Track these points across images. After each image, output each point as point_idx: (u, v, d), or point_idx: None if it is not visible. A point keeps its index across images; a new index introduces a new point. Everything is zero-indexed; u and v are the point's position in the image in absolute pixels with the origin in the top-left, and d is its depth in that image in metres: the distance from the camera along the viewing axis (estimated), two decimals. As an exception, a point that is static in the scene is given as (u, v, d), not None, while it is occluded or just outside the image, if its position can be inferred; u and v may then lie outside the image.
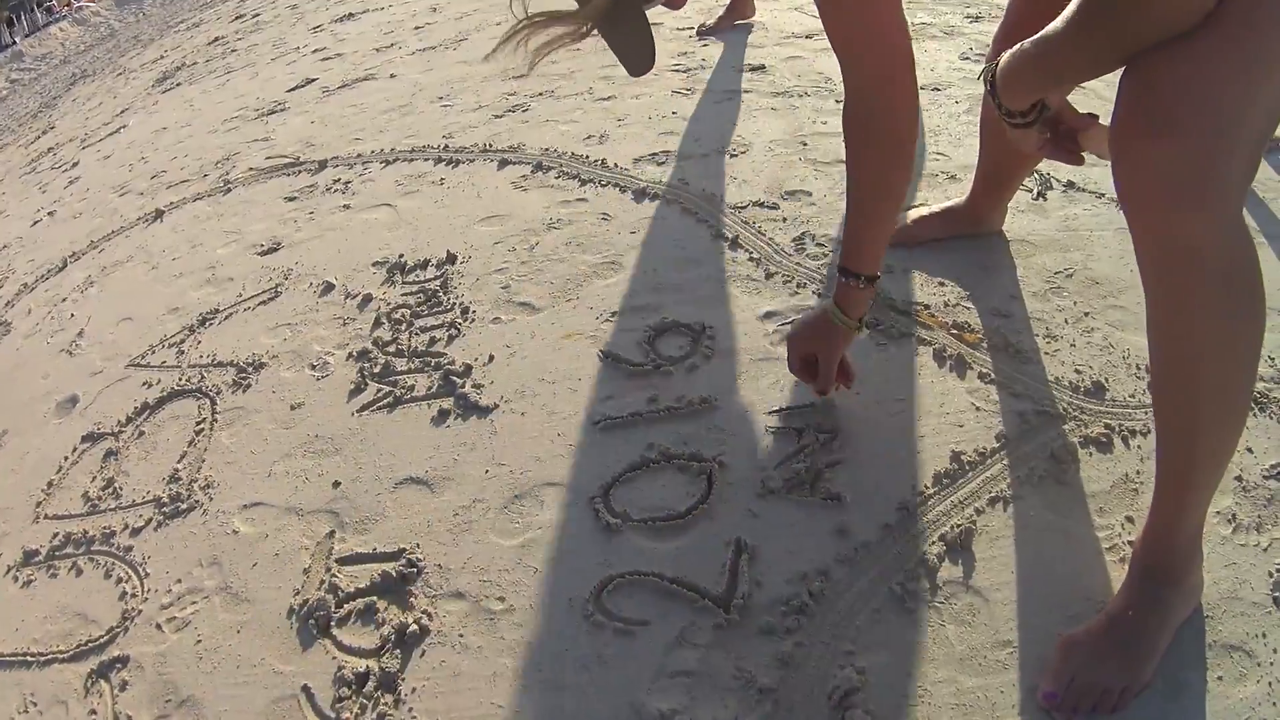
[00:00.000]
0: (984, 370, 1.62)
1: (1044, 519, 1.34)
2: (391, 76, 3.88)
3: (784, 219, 2.18)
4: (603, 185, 2.50)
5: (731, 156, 2.51)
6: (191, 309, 2.51)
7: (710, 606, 1.30)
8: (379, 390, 1.92)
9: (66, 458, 2.13)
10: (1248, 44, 0.83)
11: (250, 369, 2.14)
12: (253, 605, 1.56)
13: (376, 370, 1.98)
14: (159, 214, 3.24)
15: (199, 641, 1.53)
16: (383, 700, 1.31)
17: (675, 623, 1.29)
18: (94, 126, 4.96)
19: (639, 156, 2.62)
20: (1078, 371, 1.59)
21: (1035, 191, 2.12)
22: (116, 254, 3.05)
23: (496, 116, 3.14)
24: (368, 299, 2.25)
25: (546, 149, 2.78)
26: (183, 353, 2.32)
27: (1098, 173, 2.15)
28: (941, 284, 1.87)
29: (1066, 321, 1.72)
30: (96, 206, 3.56)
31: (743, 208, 2.26)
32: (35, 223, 3.67)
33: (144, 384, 2.26)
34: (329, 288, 2.36)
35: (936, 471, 1.44)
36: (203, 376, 2.19)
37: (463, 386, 1.83)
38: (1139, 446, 1.43)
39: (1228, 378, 0.97)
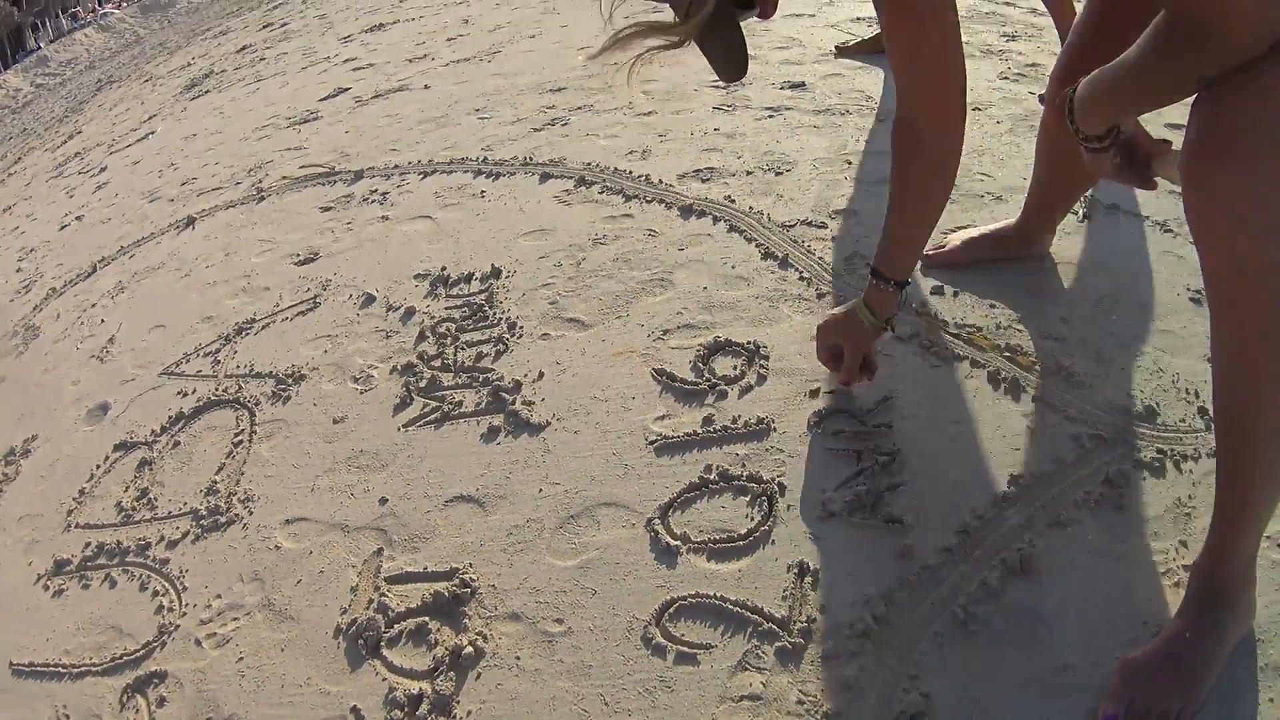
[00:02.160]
0: (1038, 394, 1.62)
1: (1100, 543, 1.34)
2: (425, 88, 3.93)
3: (833, 238, 2.19)
4: (648, 201, 2.52)
5: (776, 174, 2.52)
6: (227, 318, 2.53)
7: (774, 630, 1.29)
8: (425, 405, 1.92)
9: (99, 466, 2.14)
10: None
11: (290, 380, 2.16)
12: (297, 623, 1.56)
13: (422, 385, 1.99)
14: (190, 221, 3.27)
15: (241, 659, 1.53)
16: None
17: (738, 646, 1.29)
18: (121, 132, 5.03)
19: (683, 173, 2.64)
20: (1129, 395, 1.59)
21: (1081, 214, 2.12)
22: (148, 260, 3.08)
23: (535, 130, 3.17)
24: (410, 312, 2.26)
25: (589, 164, 2.80)
26: (219, 362, 2.34)
27: (1140, 197, 2.16)
28: (993, 306, 1.87)
29: (1116, 345, 1.71)
30: (126, 212, 3.61)
31: (791, 226, 2.26)
32: (63, 227, 3.72)
33: (179, 393, 2.28)
34: (370, 299, 2.37)
35: (995, 495, 1.44)
36: (240, 387, 2.21)
37: (513, 403, 1.84)
38: (1190, 471, 1.44)
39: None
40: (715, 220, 2.35)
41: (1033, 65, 3.05)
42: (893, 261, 1.48)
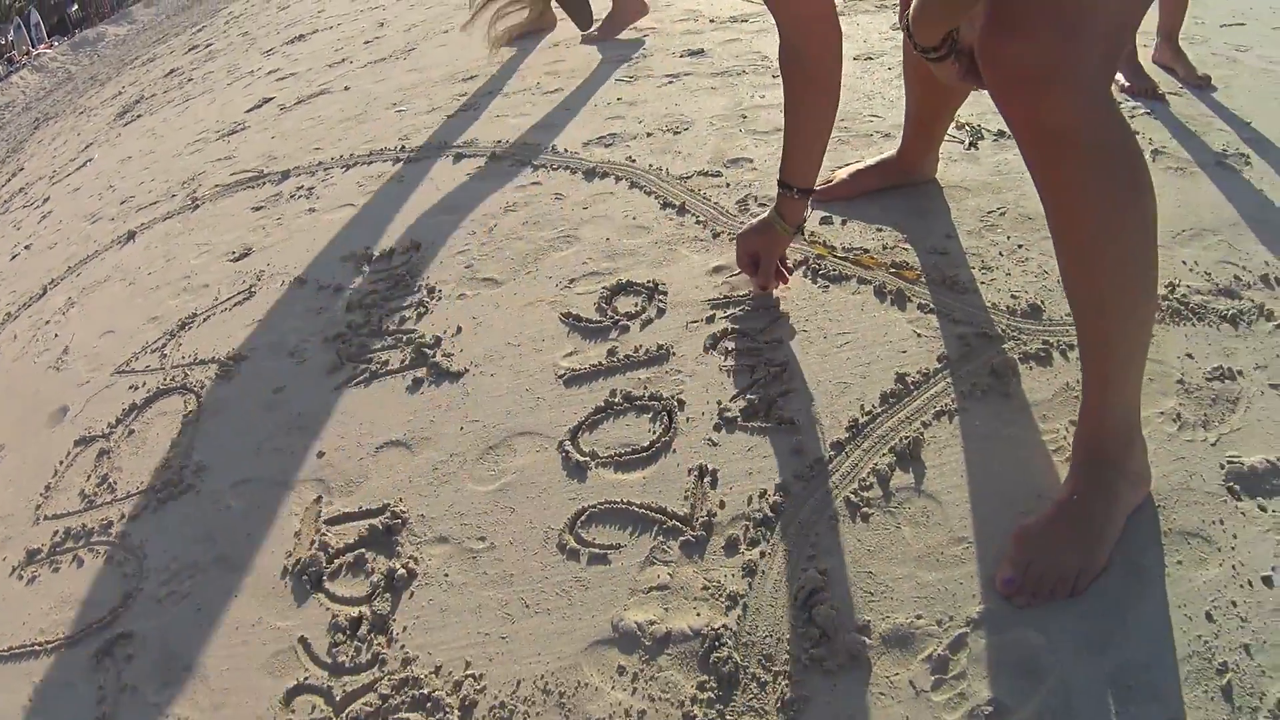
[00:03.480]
0: (924, 302, 1.70)
1: (990, 427, 1.41)
2: (346, 89, 3.91)
3: (728, 184, 2.26)
4: (554, 169, 2.56)
5: (675, 134, 2.58)
6: (171, 316, 2.53)
7: (678, 526, 1.36)
8: (355, 368, 1.96)
9: (61, 462, 2.15)
10: None
11: (232, 363, 2.18)
12: (247, 572, 1.60)
13: (352, 350, 2.02)
14: (131, 235, 3.25)
15: (199, 610, 1.57)
16: (376, 641, 1.36)
17: (646, 544, 1.36)
18: (61, 163, 4.93)
19: (587, 140, 2.68)
20: (1014, 297, 1.67)
21: (967, 142, 2.21)
22: (94, 275, 3.06)
23: (449, 116, 3.19)
24: (339, 289, 2.29)
25: (499, 141, 2.84)
26: (165, 355, 2.35)
27: None
28: (879, 229, 1.95)
29: (1001, 254, 1.80)
30: (70, 235, 3.56)
31: (688, 178, 2.33)
32: (14, 257, 3.66)
33: (130, 388, 2.29)
34: (301, 283, 2.40)
35: (883, 392, 1.51)
36: (186, 375, 2.22)
37: (434, 356, 1.88)
38: (1078, 359, 1.49)
39: (1121, 251, 1.01)
40: (617, 180, 2.40)
41: None
42: (795, 171, 1.59)
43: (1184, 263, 1.73)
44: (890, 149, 2.23)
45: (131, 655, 1.55)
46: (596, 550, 1.36)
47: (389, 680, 1.29)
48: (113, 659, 1.56)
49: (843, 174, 2.08)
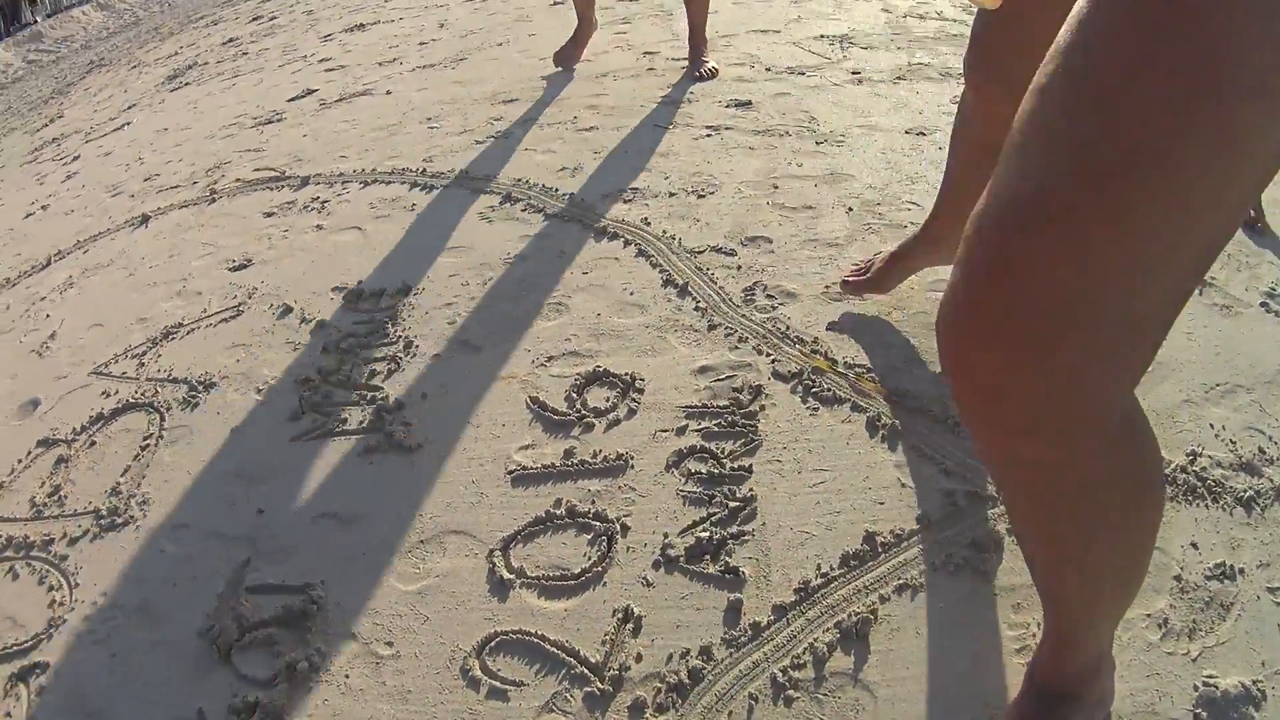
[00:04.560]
0: (918, 443, 1.65)
1: (953, 612, 1.34)
2: (387, 93, 3.96)
3: (739, 267, 2.23)
4: (566, 221, 2.56)
5: (699, 197, 2.55)
6: (159, 320, 2.58)
7: (586, 674, 1.34)
8: (314, 420, 1.98)
9: (20, 460, 2.20)
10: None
11: (201, 388, 2.21)
12: (166, 625, 1.62)
13: (316, 400, 2.04)
14: (145, 219, 3.33)
15: (113, 655, 1.60)
16: None
17: (549, 687, 1.34)
18: (101, 119, 5.08)
19: (608, 192, 2.67)
20: None
21: None
22: (99, 257, 3.14)
23: (478, 141, 3.21)
24: (321, 325, 2.31)
25: (519, 179, 2.84)
26: (143, 365, 2.40)
27: None
28: (889, 346, 1.90)
29: None
30: (88, 205, 3.66)
31: (699, 252, 2.30)
32: (28, 215, 3.78)
33: (103, 393, 2.34)
34: (287, 310, 2.43)
35: (846, 552, 1.45)
36: (157, 391, 2.26)
37: (391, 424, 1.89)
38: None
39: (1113, 566, 0.85)
40: (626, 244, 2.39)
41: None
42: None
43: (1211, 425, 1.65)
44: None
45: (44, 688, 1.58)
46: (498, 684, 1.35)
47: None
48: (27, 687, 1.59)
49: (882, 260, 1.97)
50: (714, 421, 1.75)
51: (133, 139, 4.42)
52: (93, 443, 2.17)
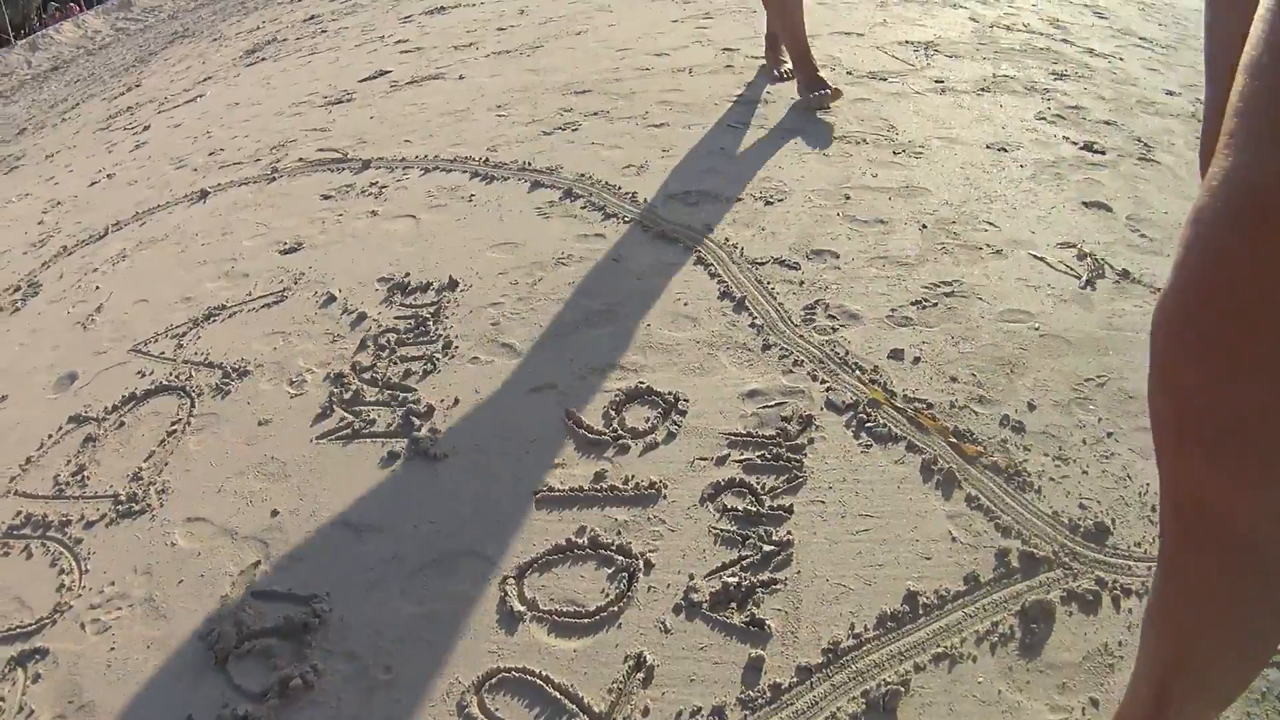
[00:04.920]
0: (974, 493, 1.54)
1: (991, 689, 1.24)
2: (460, 78, 3.97)
3: (801, 282, 2.13)
4: (625, 222, 2.49)
5: (767, 204, 2.46)
6: (203, 300, 2.62)
7: (588, 721, 1.26)
8: (341, 419, 1.96)
9: (51, 436, 2.25)
10: None
11: (235, 375, 2.22)
12: (169, 623, 1.62)
13: (346, 397, 2.02)
14: (204, 194, 3.40)
15: (112, 649, 1.60)
16: None
17: (549, 732, 1.27)
18: (176, 91, 5.25)
19: (674, 193, 2.60)
20: (1082, 506, 1.49)
21: (1084, 278, 2.01)
22: (155, 230, 3.21)
23: (545, 133, 3.17)
24: (362, 317, 2.30)
25: (582, 175, 2.79)
26: (181, 346, 2.42)
27: (1159, 264, 2.03)
28: (953, 380, 1.79)
29: (1085, 442, 1.62)
30: (152, 176, 3.76)
31: (761, 264, 2.21)
32: (93, 183, 3.91)
33: (139, 372, 2.37)
34: (330, 300, 2.42)
35: (883, 611, 1.36)
36: (191, 375, 2.28)
37: (419, 430, 1.85)
38: (1130, 611, 1.32)
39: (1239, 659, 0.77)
40: (686, 249, 2.31)
41: (1075, 108, 2.90)
42: None
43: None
44: (999, 266, 2.07)
45: (40, 675, 1.59)
46: None
47: None
48: (24, 672, 1.61)
49: None
50: (758, 453, 1.66)
51: (204, 112, 4.54)
52: (122, 423, 2.19)
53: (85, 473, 2.08)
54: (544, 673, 1.34)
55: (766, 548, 1.46)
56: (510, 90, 3.71)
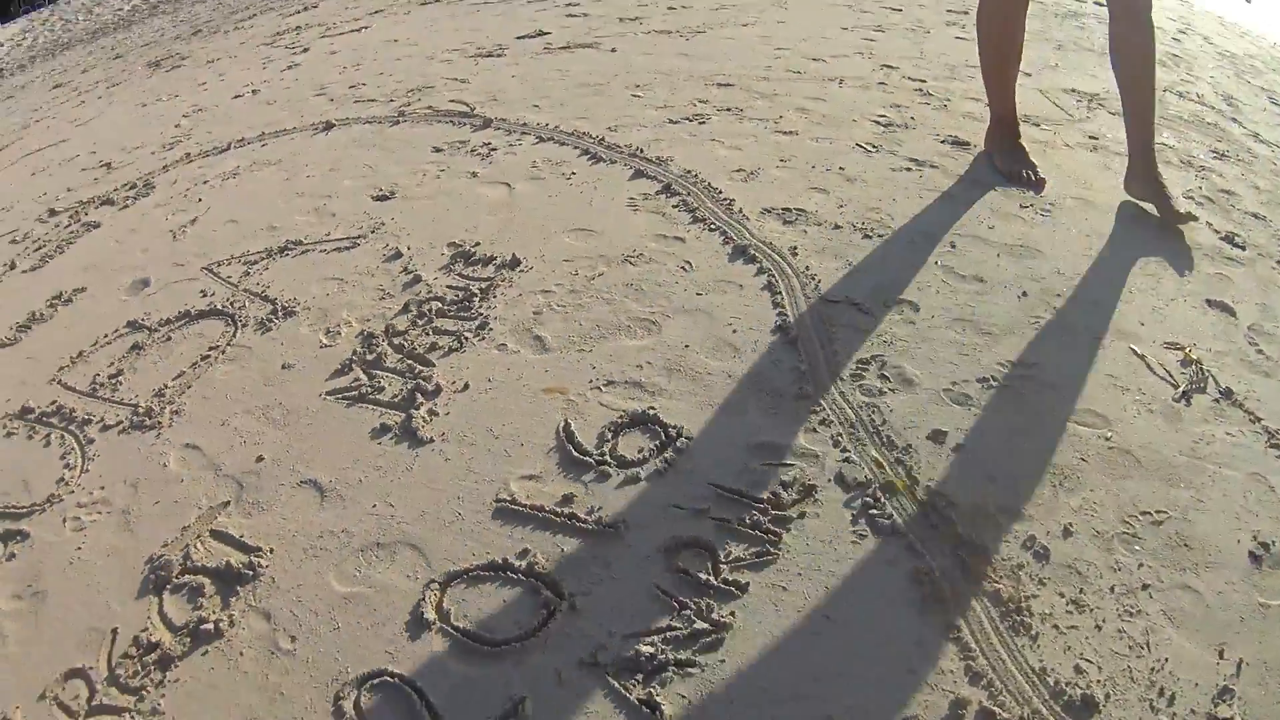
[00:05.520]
0: (959, 621, 1.42)
1: None
2: (612, 50, 4.04)
3: (867, 331, 2.04)
4: (711, 229, 2.47)
5: (865, 237, 2.37)
6: (285, 232, 2.80)
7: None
8: (355, 380, 2.05)
9: (106, 335, 2.47)
10: None
11: (281, 313, 2.37)
12: (133, 538, 1.78)
13: (369, 358, 2.11)
14: (329, 126, 3.62)
15: (79, 549, 1.79)
16: (151, 676, 1.48)
17: (413, 752, 1.30)
18: (345, 18, 5.60)
19: (771, 207, 2.55)
20: (1078, 669, 1.37)
21: (1181, 390, 1.83)
22: (272, 153, 3.45)
23: (671, 121, 3.18)
24: (416, 280, 2.40)
25: (689, 171, 2.78)
26: (248, 274, 2.61)
27: (1268, 389, 1.83)
28: (991, 479, 1.67)
29: (1113, 590, 1.48)
30: (291, 99, 4.03)
31: (834, 302, 2.14)
32: (237, 96, 4.23)
33: (201, 292, 2.57)
34: (397, 255, 2.54)
35: None
36: (245, 305, 2.45)
37: (418, 409, 1.91)
38: None
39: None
40: (759, 272, 2.27)
41: (1227, 193, 2.66)
42: None
43: None
44: (1092, 355, 1.92)
45: (13, 555, 1.78)
46: None
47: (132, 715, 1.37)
48: (2, 547, 1.80)
49: None
50: (738, 514, 1.61)
51: (361, 44, 4.82)
52: (169, 338, 2.38)
53: (120, 378, 2.27)
54: (425, 690, 1.36)
55: (699, 624, 1.42)
56: (655, 72, 3.73)
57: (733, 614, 1.43)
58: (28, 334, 2.61)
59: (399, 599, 1.52)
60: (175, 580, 1.64)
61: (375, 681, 1.39)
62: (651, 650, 1.37)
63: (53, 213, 3.48)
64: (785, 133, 3.03)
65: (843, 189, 2.62)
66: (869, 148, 2.86)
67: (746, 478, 1.68)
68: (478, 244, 2.55)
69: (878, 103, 3.19)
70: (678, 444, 1.76)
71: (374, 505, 1.72)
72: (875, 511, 1.59)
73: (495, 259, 2.45)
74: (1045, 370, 1.88)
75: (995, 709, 1.29)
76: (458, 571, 1.55)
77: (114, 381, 2.27)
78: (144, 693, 1.45)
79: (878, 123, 3.02)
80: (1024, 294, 2.12)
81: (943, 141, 2.89)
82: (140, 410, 2.13)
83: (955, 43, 3.80)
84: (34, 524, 1.87)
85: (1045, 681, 1.34)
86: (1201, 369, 1.90)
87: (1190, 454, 1.69)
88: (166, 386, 2.20)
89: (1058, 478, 1.65)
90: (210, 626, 1.52)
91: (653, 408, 1.86)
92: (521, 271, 2.39)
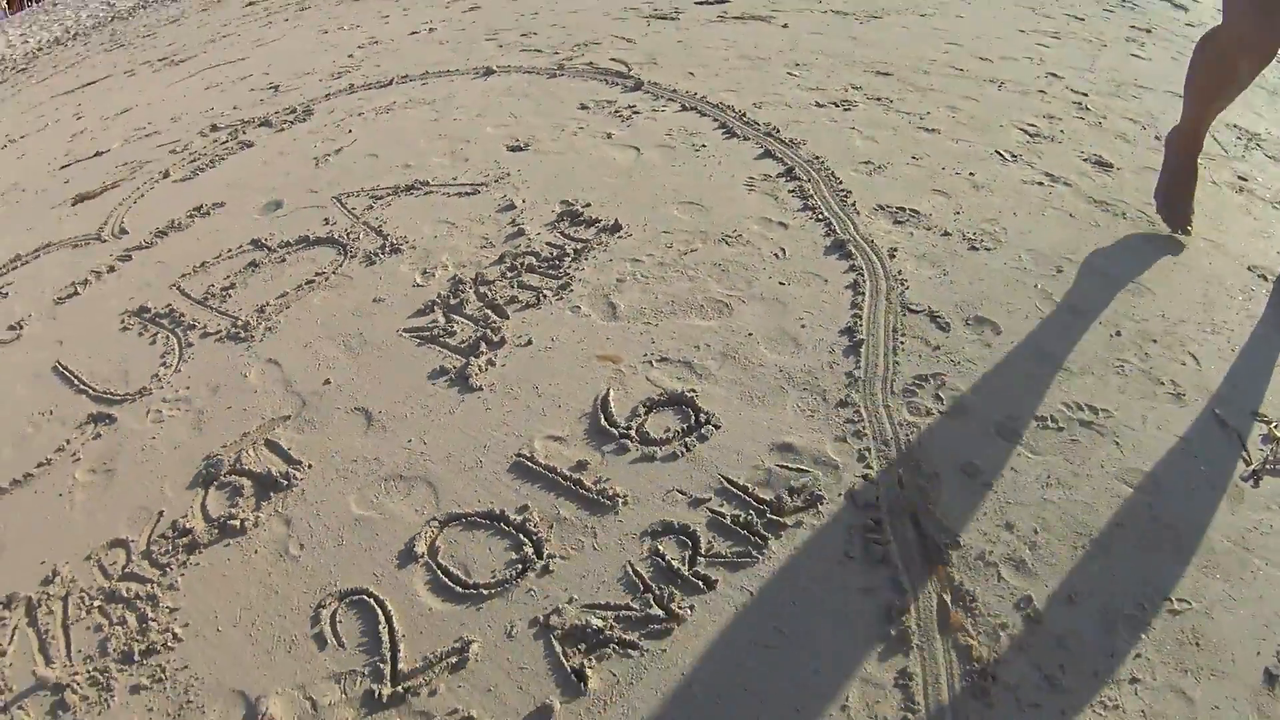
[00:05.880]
0: (915, 670, 1.39)
1: None
2: (783, 26, 4.06)
3: (938, 347, 2.00)
4: (818, 219, 2.49)
5: (972, 248, 2.32)
6: (418, 172, 3.03)
7: (387, 675, 1.44)
8: (432, 321, 2.23)
9: (230, 250, 2.76)
10: None
11: (389, 250, 2.58)
12: (200, 437, 2.02)
13: (452, 302, 2.29)
14: (489, 72, 3.83)
15: (153, 438, 2.06)
16: (177, 556, 1.71)
17: (355, 662, 1.47)
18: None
19: (886, 204, 2.54)
20: None
21: (1252, 469, 1.71)
22: (429, 93, 3.70)
23: (818, 104, 3.19)
24: (520, 233, 2.56)
25: (816, 158, 2.79)
26: (372, 208, 2.84)
27: None
28: (1007, 526, 1.62)
29: (1096, 674, 1.38)
30: (461, 42, 4.29)
31: (914, 311, 2.11)
32: (413, 32, 4.51)
33: (325, 220, 2.83)
34: (510, 207, 2.70)
35: None
36: (360, 237, 2.68)
37: (477, 358, 2.06)
38: None
39: None
40: (850, 269, 2.28)
41: None
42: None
43: None
44: (1167, 412, 1.80)
45: (99, 435, 2.07)
46: (318, 636, 1.50)
47: (152, 589, 1.65)
48: (93, 427, 2.11)
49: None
50: (735, 511, 1.65)
51: (546, -8, 5.02)
52: (283, 260, 2.64)
53: (231, 291, 2.55)
54: (392, 614, 1.50)
55: (654, 611, 1.48)
56: (818, 52, 3.72)
57: (691, 608, 1.48)
58: (163, 240, 2.95)
59: (401, 529, 1.67)
60: (222, 479, 1.86)
61: (354, 598, 1.55)
62: (601, 625, 1.45)
63: (214, 128, 3.88)
64: (928, 129, 2.97)
65: (965, 195, 2.56)
66: (1007, 155, 2.77)
67: (758, 475, 1.71)
68: (588, 205, 2.66)
69: (1031, 110, 3.07)
70: (703, 430, 1.82)
71: (409, 440, 1.88)
72: (874, 536, 1.58)
73: (599, 222, 2.56)
74: (1112, 419, 1.80)
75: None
76: (458, 514, 1.68)
77: (225, 293, 2.55)
78: (168, 570, 1.68)
79: (1025, 131, 2.92)
80: (1118, 333, 2.02)
81: (1085, 159, 2.77)
82: (239, 323, 2.39)
83: (1129, 60, 3.58)
84: (123, 411, 2.15)
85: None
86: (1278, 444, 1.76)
87: (1240, 543, 1.57)
88: (268, 304, 2.44)
89: (1084, 539, 1.58)
90: (237, 523, 1.72)
91: (694, 390, 1.92)
92: (620, 237, 2.49)
